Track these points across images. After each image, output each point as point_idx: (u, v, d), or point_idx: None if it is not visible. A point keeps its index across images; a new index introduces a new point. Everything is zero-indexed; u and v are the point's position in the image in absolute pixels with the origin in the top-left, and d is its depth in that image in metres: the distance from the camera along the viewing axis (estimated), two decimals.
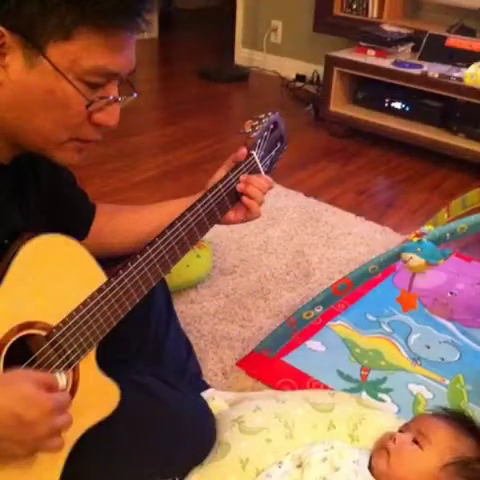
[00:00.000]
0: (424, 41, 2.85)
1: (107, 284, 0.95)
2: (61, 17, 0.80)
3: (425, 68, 2.72)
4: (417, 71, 2.71)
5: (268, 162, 1.21)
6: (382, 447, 1.18)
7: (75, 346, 0.92)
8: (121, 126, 0.94)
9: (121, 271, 0.96)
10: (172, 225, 1.04)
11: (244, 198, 1.14)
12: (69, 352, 0.91)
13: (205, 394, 1.34)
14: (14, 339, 0.85)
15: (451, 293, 1.89)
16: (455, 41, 2.77)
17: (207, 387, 1.41)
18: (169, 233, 1.03)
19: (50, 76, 0.83)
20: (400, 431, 1.21)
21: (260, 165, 1.18)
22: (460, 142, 2.68)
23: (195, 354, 1.47)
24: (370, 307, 1.79)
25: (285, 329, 1.53)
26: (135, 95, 0.93)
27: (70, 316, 0.91)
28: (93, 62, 0.83)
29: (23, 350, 0.88)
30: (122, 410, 0.99)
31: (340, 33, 3.25)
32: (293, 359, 1.57)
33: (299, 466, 1.15)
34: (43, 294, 0.89)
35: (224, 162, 1.18)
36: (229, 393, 1.43)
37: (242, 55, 4.13)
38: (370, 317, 1.75)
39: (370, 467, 1.16)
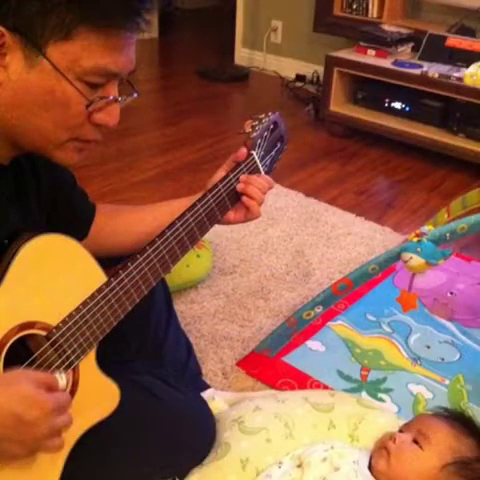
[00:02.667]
0: (424, 41, 2.85)
1: (107, 284, 0.95)
2: (61, 17, 0.80)
3: (425, 68, 2.71)
4: (417, 71, 2.71)
5: (268, 162, 1.21)
6: (382, 447, 1.18)
7: (75, 346, 0.92)
8: (121, 126, 0.94)
9: (121, 271, 0.97)
10: (172, 225, 1.04)
11: (244, 198, 1.14)
12: (69, 352, 0.91)
13: (205, 394, 1.34)
14: (14, 339, 0.85)
15: (451, 293, 1.89)
16: (455, 41, 2.77)
17: (207, 387, 1.41)
18: (169, 233, 1.03)
19: (50, 76, 0.83)
20: (400, 431, 1.21)
21: (260, 165, 1.18)
22: (460, 142, 2.68)
23: (195, 354, 1.47)
24: (370, 307, 1.79)
25: (285, 329, 1.53)
26: (135, 95, 0.93)
27: (70, 316, 0.91)
28: (93, 62, 0.83)
29: (23, 350, 0.88)
30: (122, 410, 1.00)
31: (340, 33, 3.25)
32: (293, 359, 1.57)
33: (299, 466, 1.15)
34: (43, 294, 0.89)
35: (224, 162, 1.18)
36: (229, 393, 1.43)
37: (242, 55, 4.13)
38: (370, 317, 1.75)
39: (370, 467, 1.16)
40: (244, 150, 1.15)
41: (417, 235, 1.33)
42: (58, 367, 0.90)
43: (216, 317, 1.73)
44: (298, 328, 1.54)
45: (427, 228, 1.35)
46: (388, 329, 1.71)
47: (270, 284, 1.90)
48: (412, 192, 2.56)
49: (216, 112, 3.37)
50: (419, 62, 2.80)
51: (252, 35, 4.04)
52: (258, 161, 1.17)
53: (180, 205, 1.12)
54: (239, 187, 1.13)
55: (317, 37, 3.50)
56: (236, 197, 1.14)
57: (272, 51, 3.95)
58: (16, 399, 0.78)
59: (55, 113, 0.86)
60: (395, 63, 2.81)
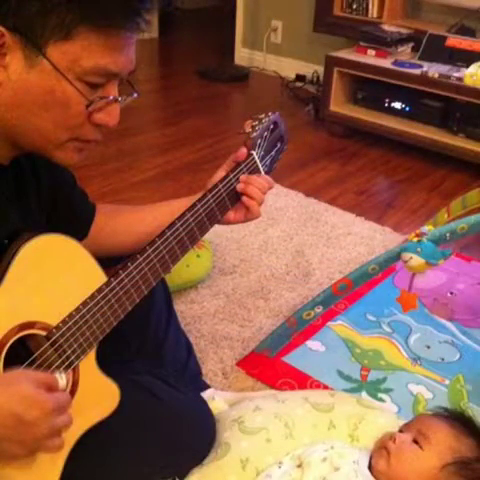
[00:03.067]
0: (424, 41, 2.85)
1: (107, 284, 0.95)
2: (61, 17, 0.80)
3: (425, 68, 2.71)
4: (417, 71, 2.71)
5: (268, 162, 1.21)
6: (382, 447, 1.17)
7: (75, 346, 0.92)
8: (121, 126, 0.94)
9: (121, 271, 0.97)
10: (172, 225, 1.04)
11: (244, 198, 1.14)
12: (69, 352, 0.91)
13: (205, 394, 1.34)
14: (14, 339, 0.85)
15: (451, 293, 1.89)
16: (455, 41, 2.77)
17: (207, 387, 1.41)
18: (169, 233, 1.03)
19: (50, 76, 0.83)
20: (400, 431, 1.21)
21: (260, 165, 1.18)
22: (460, 142, 2.68)
23: (195, 354, 1.47)
24: (370, 307, 1.79)
25: (285, 329, 1.53)
26: (135, 95, 0.93)
27: (70, 316, 0.91)
28: (93, 62, 0.83)
29: (23, 350, 0.88)
30: (122, 410, 1.00)
31: (340, 33, 3.25)
32: (293, 359, 1.57)
33: (299, 466, 1.15)
34: (43, 294, 0.89)
35: (224, 162, 1.18)
36: (229, 393, 1.43)
37: (242, 55, 4.13)
38: (370, 317, 1.75)
39: (370, 467, 1.16)
40: (244, 150, 1.15)
41: (417, 235, 1.33)
42: (58, 367, 0.90)
43: (216, 317, 1.73)
44: (298, 328, 1.54)
45: (427, 228, 1.35)
46: (388, 329, 1.71)
47: (270, 284, 1.90)
48: (412, 192, 2.56)
49: (216, 112, 3.37)
50: (419, 62, 2.80)
51: (252, 35, 4.04)
52: (258, 161, 1.17)
53: (180, 205, 1.12)
54: (239, 187, 1.13)
55: (317, 37, 3.49)
56: (236, 197, 1.14)
57: (272, 51, 3.95)
58: (16, 399, 0.78)
59: (55, 113, 0.86)
60: (395, 63, 2.81)
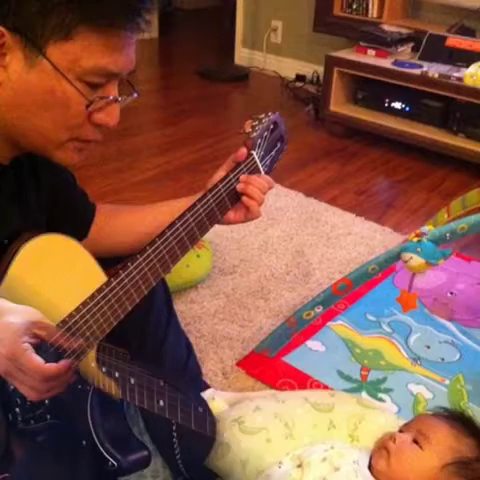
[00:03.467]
0: (424, 41, 2.85)
1: (107, 284, 0.95)
2: (61, 17, 0.80)
3: (425, 68, 2.71)
4: (417, 71, 2.71)
5: (268, 162, 1.21)
6: (382, 447, 1.17)
7: None
8: (121, 126, 0.94)
9: (121, 271, 0.97)
10: (172, 225, 1.03)
11: (244, 198, 1.14)
12: (69, 352, 0.91)
13: (205, 394, 1.34)
14: None
15: (451, 293, 1.89)
16: (455, 41, 2.77)
17: (207, 387, 1.41)
18: (169, 233, 1.02)
19: (50, 76, 0.83)
20: (400, 431, 1.21)
21: (260, 165, 1.18)
22: (460, 142, 2.68)
23: (195, 354, 1.47)
24: (370, 307, 1.79)
25: (285, 329, 1.53)
26: (135, 95, 0.93)
27: (70, 316, 0.91)
28: (93, 62, 0.83)
29: None
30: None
31: (340, 33, 3.25)
32: (293, 359, 1.57)
33: (299, 466, 1.15)
34: (43, 294, 0.89)
35: (224, 162, 1.18)
36: (229, 393, 1.43)
37: (242, 55, 4.13)
38: (370, 317, 1.75)
39: (370, 467, 1.16)
40: (244, 150, 1.15)
41: (417, 235, 1.33)
42: None
43: (216, 317, 1.73)
44: (298, 328, 1.54)
45: (427, 228, 1.35)
46: (388, 329, 1.71)
47: (270, 284, 1.90)
48: (412, 192, 2.56)
49: (216, 112, 3.37)
50: (419, 62, 2.80)
51: (252, 35, 4.04)
52: (258, 161, 1.17)
53: (180, 205, 1.12)
54: (239, 187, 1.13)
55: (317, 37, 3.50)
56: (236, 197, 1.14)
57: (272, 51, 3.95)
58: None
59: (55, 113, 0.86)
60: (395, 63, 2.81)
